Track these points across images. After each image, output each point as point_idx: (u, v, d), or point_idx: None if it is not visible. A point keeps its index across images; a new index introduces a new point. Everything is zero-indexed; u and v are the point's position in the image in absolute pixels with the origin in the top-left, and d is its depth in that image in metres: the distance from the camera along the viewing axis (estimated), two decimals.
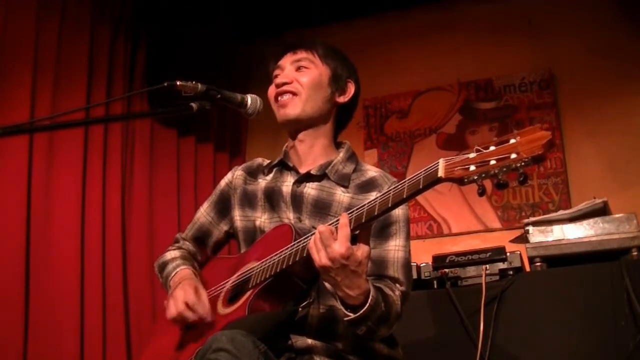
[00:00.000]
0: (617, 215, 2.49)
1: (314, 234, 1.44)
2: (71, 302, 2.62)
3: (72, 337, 2.57)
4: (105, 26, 3.08)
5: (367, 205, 1.38)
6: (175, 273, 1.73)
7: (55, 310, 2.55)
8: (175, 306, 1.58)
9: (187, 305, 1.56)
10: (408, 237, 1.66)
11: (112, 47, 3.11)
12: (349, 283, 1.37)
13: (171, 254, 1.84)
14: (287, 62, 1.77)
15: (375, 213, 1.35)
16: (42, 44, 2.73)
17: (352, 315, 1.40)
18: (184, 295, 1.58)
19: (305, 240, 1.45)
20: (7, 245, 2.46)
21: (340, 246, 1.34)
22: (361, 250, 1.37)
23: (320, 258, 1.36)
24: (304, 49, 1.77)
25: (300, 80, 1.72)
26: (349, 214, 1.39)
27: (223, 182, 1.85)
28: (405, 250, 1.63)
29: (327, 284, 1.57)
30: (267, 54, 1.89)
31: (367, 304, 1.39)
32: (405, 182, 1.34)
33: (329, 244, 1.35)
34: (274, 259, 1.49)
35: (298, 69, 1.75)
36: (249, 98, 1.55)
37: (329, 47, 1.81)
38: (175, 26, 3.54)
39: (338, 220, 1.38)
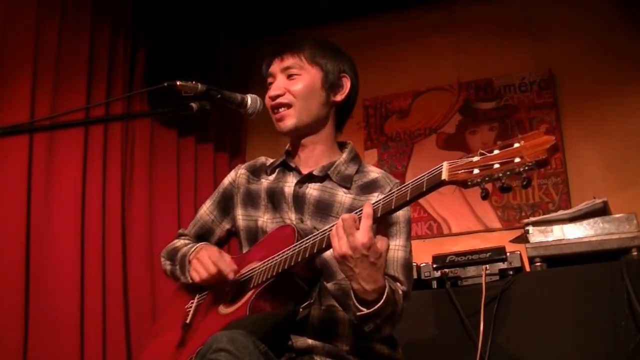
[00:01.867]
0: (617, 215, 2.49)
1: (315, 234, 1.45)
2: (71, 303, 2.62)
3: (72, 337, 2.57)
4: (105, 26, 3.08)
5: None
6: (195, 249, 1.71)
7: (55, 310, 2.55)
8: (204, 266, 1.58)
9: (212, 261, 1.56)
10: (409, 238, 1.65)
11: (112, 48, 3.11)
12: (366, 276, 1.36)
13: (180, 241, 1.85)
14: (277, 70, 1.74)
15: (379, 215, 1.36)
16: (42, 44, 2.73)
17: (365, 311, 1.39)
18: (208, 254, 1.59)
19: (307, 241, 1.45)
20: (7, 245, 2.46)
21: (362, 235, 1.33)
22: (381, 242, 1.36)
23: (341, 246, 1.35)
24: (290, 53, 1.73)
25: (292, 90, 1.69)
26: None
27: (226, 181, 1.85)
28: (406, 250, 1.62)
29: (329, 285, 1.58)
30: (266, 54, 1.87)
31: (382, 301, 1.38)
32: (408, 184, 1.34)
33: (351, 232, 1.34)
34: (276, 260, 1.49)
35: (289, 76, 1.72)
36: (249, 98, 1.55)
37: (317, 44, 1.75)
38: (175, 26, 3.54)
39: (361, 210, 1.37)
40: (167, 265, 1.83)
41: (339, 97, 1.75)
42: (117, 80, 3.12)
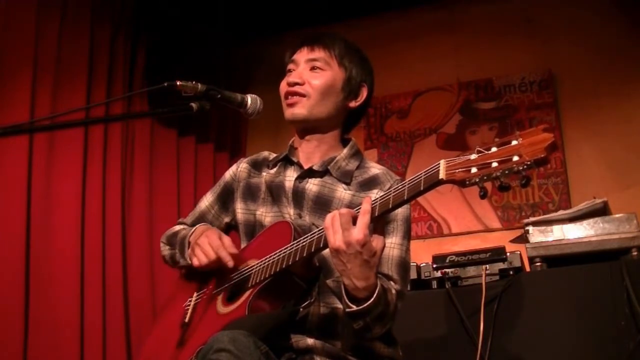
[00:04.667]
0: (617, 215, 2.49)
1: (314, 232, 1.44)
2: (71, 302, 2.62)
3: (72, 337, 2.57)
4: (105, 26, 3.08)
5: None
6: (194, 230, 1.72)
7: (55, 310, 2.55)
8: (204, 253, 1.58)
9: (212, 247, 1.56)
10: (406, 237, 1.62)
11: (112, 47, 3.11)
12: (358, 273, 1.34)
13: (180, 226, 1.86)
14: (302, 59, 1.72)
15: (376, 214, 1.35)
16: (42, 44, 2.73)
17: (354, 308, 1.38)
18: (208, 240, 1.59)
19: (305, 239, 1.45)
20: (7, 245, 2.46)
21: (358, 232, 1.32)
22: (376, 241, 1.35)
23: (336, 240, 1.33)
24: (322, 46, 1.71)
25: (311, 82, 1.68)
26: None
27: (228, 174, 1.84)
28: (402, 249, 1.59)
29: (329, 282, 1.57)
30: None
31: (372, 299, 1.36)
32: (405, 183, 1.33)
33: (347, 227, 1.33)
34: (274, 258, 1.49)
35: (312, 68, 1.70)
36: (249, 98, 1.55)
37: (348, 46, 1.75)
38: (175, 26, 3.54)
39: (360, 207, 1.36)
40: (166, 250, 1.83)
41: (354, 104, 1.75)
42: (117, 80, 3.12)
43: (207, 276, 1.70)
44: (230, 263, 1.56)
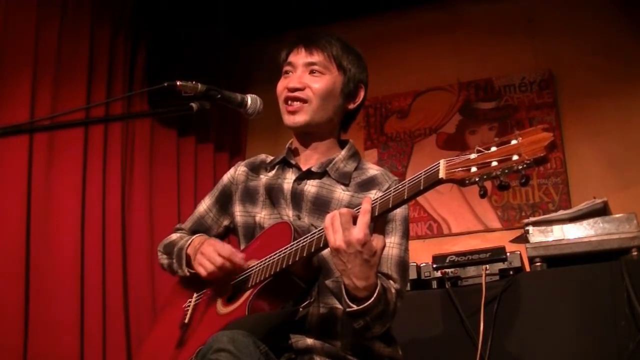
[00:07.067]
0: (617, 215, 2.49)
1: (313, 233, 1.44)
2: (71, 302, 2.62)
3: (72, 337, 2.57)
4: (105, 26, 3.08)
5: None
6: (191, 241, 1.72)
7: (55, 310, 2.55)
8: (210, 260, 1.56)
9: (221, 255, 1.55)
10: (405, 236, 1.63)
11: (112, 47, 3.11)
12: (358, 272, 1.34)
13: (177, 234, 1.85)
14: (300, 62, 1.70)
15: (376, 213, 1.35)
16: (42, 44, 2.73)
17: (354, 307, 1.38)
18: (214, 248, 1.57)
19: (305, 239, 1.45)
20: (7, 245, 2.46)
21: (358, 231, 1.32)
22: (377, 240, 1.35)
23: (336, 240, 1.33)
24: (320, 49, 1.70)
25: (312, 87, 1.67)
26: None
27: (225, 178, 1.85)
28: (401, 249, 1.60)
29: (328, 282, 1.58)
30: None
31: (372, 299, 1.37)
32: (405, 183, 1.33)
33: (347, 226, 1.33)
34: (274, 258, 1.49)
35: (311, 72, 1.69)
36: (249, 98, 1.55)
37: (345, 46, 1.74)
38: (175, 26, 3.54)
39: (360, 207, 1.36)
40: (163, 259, 1.83)
41: (352, 106, 1.76)
42: (117, 80, 3.12)
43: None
44: (244, 264, 1.56)
